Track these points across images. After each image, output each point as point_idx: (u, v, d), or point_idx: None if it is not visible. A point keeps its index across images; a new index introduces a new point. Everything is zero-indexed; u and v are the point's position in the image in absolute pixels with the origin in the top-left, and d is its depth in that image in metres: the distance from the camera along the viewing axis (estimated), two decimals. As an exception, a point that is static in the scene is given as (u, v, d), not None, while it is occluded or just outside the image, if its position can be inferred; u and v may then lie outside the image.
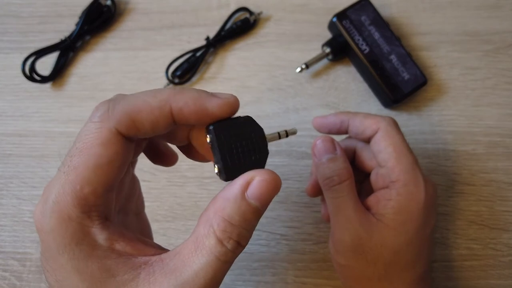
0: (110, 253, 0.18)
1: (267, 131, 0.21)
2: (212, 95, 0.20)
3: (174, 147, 0.25)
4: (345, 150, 0.31)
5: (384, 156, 0.27)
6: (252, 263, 0.34)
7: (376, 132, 0.28)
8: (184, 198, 0.36)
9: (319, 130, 0.31)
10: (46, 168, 0.37)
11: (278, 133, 0.21)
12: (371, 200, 0.28)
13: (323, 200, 0.33)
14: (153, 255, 0.19)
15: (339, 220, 0.27)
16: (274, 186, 0.18)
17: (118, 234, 0.19)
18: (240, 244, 0.18)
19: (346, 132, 0.30)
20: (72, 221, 0.18)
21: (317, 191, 0.31)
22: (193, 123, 0.20)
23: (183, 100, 0.19)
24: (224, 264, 0.18)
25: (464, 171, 0.36)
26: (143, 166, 0.36)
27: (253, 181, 0.18)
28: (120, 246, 0.19)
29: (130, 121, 0.18)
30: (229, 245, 0.18)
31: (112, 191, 0.20)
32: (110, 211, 0.20)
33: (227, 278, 0.33)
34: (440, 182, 0.35)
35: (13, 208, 0.36)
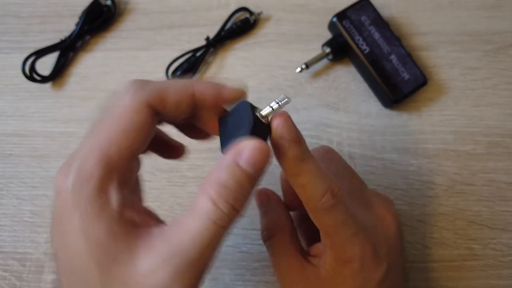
0: (119, 219, 0.18)
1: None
2: (225, 84, 0.22)
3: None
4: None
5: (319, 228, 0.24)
6: (252, 263, 0.34)
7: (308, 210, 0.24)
8: (184, 198, 0.36)
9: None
10: (46, 168, 0.37)
11: (269, 105, 0.21)
12: (315, 249, 0.26)
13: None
14: (155, 226, 0.20)
15: (278, 278, 0.26)
16: (262, 152, 0.19)
17: (129, 202, 0.19)
18: (235, 208, 0.19)
19: None
20: (92, 179, 0.18)
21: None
22: (210, 106, 0.22)
23: (204, 85, 0.22)
24: (220, 228, 0.18)
25: (464, 171, 0.36)
26: (144, 166, 0.36)
27: (243, 149, 0.19)
28: (129, 213, 0.19)
29: (158, 98, 0.20)
30: (225, 208, 0.18)
31: (134, 160, 0.21)
32: (129, 180, 0.20)
33: (227, 278, 0.33)
34: (440, 182, 0.35)
35: (13, 208, 0.36)
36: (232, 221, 0.19)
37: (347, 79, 0.39)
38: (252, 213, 0.34)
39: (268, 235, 0.26)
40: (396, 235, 0.26)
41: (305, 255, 0.26)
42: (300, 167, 0.22)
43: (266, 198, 0.28)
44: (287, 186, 0.28)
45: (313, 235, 0.26)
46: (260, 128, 0.21)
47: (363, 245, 0.24)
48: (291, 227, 0.27)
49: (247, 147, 0.19)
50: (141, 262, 0.18)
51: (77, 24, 0.40)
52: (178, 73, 0.39)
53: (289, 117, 0.22)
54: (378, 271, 0.24)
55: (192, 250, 0.18)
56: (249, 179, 0.19)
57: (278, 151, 0.22)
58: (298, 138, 0.22)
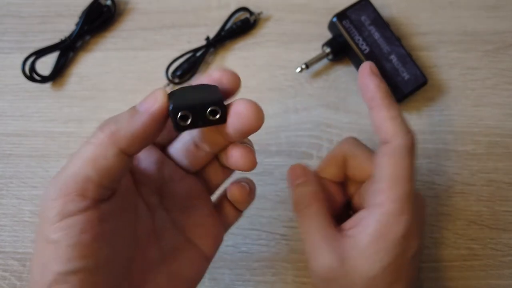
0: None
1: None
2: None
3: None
4: (334, 159, 0.29)
5: (380, 174, 0.25)
6: (252, 263, 0.34)
7: (386, 142, 0.25)
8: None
9: (361, 88, 0.27)
10: (46, 168, 0.37)
11: None
12: (351, 222, 0.26)
13: None
14: None
15: (308, 248, 0.26)
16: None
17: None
18: None
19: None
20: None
21: None
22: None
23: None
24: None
25: (464, 171, 0.36)
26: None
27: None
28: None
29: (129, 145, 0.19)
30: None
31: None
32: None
33: (227, 278, 0.33)
34: (440, 182, 0.35)
35: (13, 208, 0.36)
36: None
37: (347, 79, 0.39)
38: (251, 213, 0.35)
39: (305, 204, 0.26)
40: (424, 223, 0.27)
41: (338, 229, 0.26)
42: (393, 101, 0.25)
43: (302, 171, 0.28)
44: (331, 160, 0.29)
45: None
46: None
47: (412, 211, 0.24)
48: (326, 200, 0.27)
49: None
50: None
51: (77, 24, 0.40)
52: (178, 73, 0.39)
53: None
54: (414, 246, 0.25)
55: None
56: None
57: (369, 86, 0.25)
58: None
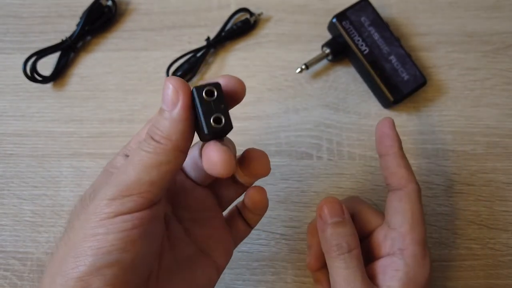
0: None
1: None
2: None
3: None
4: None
5: (398, 219, 0.26)
6: (251, 262, 0.34)
7: (400, 189, 0.27)
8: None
9: (378, 134, 0.29)
10: (47, 168, 0.37)
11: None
12: (376, 268, 0.27)
13: (319, 279, 0.30)
14: None
15: None
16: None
17: None
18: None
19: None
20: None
21: (321, 263, 0.29)
22: None
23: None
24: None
25: (463, 171, 0.36)
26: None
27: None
28: None
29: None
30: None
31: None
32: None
33: (227, 277, 0.34)
34: (439, 182, 0.36)
35: (14, 208, 0.36)
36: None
37: (347, 79, 0.39)
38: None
39: (349, 248, 0.26)
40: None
41: None
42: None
43: (341, 209, 0.27)
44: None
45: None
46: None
47: (429, 253, 0.27)
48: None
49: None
50: None
51: (78, 25, 0.40)
52: (179, 73, 0.39)
53: None
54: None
55: None
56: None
57: (390, 136, 0.28)
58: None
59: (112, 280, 0.18)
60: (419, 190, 0.27)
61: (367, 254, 0.28)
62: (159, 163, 0.19)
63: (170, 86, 0.19)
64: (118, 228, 0.18)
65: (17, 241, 0.35)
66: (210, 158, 0.19)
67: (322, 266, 0.29)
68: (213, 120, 0.19)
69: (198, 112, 0.19)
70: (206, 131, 0.19)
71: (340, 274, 0.25)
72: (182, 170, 0.26)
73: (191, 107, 0.19)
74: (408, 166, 0.28)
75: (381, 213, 0.29)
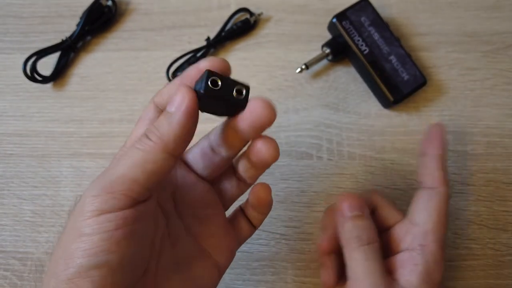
0: None
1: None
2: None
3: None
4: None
5: (424, 216, 0.28)
6: (251, 262, 0.34)
7: (431, 188, 0.28)
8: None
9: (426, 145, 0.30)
10: (47, 168, 0.37)
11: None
12: (395, 262, 0.27)
13: (326, 264, 0.30)
14: None
15: (366, 286, 0.25)
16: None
17: None
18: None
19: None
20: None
21: (333, 247, 0.29)
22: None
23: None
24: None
25: (463, 171, 0.36)
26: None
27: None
28: None
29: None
30: None
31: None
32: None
33: (226, 277, 0.34)
34: (439, 182, 0.36)
35: (14, 208, 0.36)
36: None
37: (347, 79, 0.39)
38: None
39: (369, 240, 0.26)
40: None
41: None
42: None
43: (361, 204, 0.28)
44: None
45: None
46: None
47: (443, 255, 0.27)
48: None
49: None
50: None
51: (78, 25, 0.40)
52: (179, 73, 0.39)
53: None
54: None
55: None
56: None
57: (439, 138, 0.30)
58: None
59: (101, 282, 0.18)
60: (449, 194, 0.28)
61: (384, 249, 0.28)
62: (144, 161, 0.19)
63: (179, 92, 0.19)
64: (102, 228, 0.18)
65: (17, 241, 0.35)
66: (254, 109, 0.20)
67: (332, 251, 0.29)
68: (236, 91, 0.20)
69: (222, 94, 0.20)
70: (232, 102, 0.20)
71: (359, 265, 0.26)
72: (185, 164, 0.25)
73: (195, 116, 0.20)
74: (446, 170, 0.29)
75: (399, 210, 0.30)
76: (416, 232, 0.27)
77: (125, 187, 0.19)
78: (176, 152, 0.20)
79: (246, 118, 0.20)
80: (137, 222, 0.19)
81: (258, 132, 0.21)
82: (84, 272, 0.18)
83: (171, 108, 0.19)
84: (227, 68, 0.21)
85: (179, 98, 0.19)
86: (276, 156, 0.22)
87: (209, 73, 0.19)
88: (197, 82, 0.20)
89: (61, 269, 0.18)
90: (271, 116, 0.20)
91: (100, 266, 0.18)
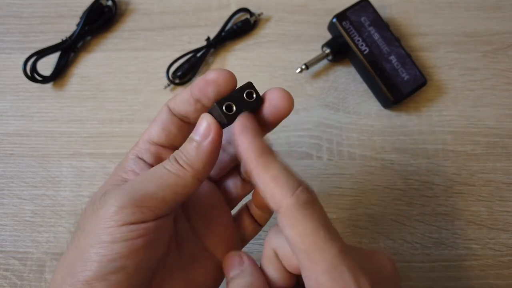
0: None
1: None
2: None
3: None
4: (266, 258, 0.22)
5: (292, 253, 0.19)
6: (252, 262, 0.34)
7: (277, 211, 0.18)
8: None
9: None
10: (47, 168, 0.37)
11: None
12: None
13: None
14: None
15: None
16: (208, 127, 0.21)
17: None
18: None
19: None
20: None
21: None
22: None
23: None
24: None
25: (463, 171, 0.36)
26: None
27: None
28: None
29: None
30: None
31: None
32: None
33: (227, 278, 0.34)
34: (439, 182, 0.36)
35: (14, 208, 0.36)
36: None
37: (347, 79, 0.39)
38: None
39: None
40: (394, 272, 0.20)
41: None
42: (272, 157, 0.19)
43: (239, 259, 0.23)
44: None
45: None
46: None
47: (356, 275, 0.17)
48: None
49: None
50: None
51: (78, 25, 0.40)
52: (179, 73, 0.39)
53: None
54: None
55: None
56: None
57: (242, 142, 0.19)
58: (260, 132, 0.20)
59: (116, 285, 0.19)
60: (303, 200, 0.18)
61: None
62: (176, 185, 0.20)
63: (205, 121, 0.21)
64: (124, 237, 0.19)
65: (17, 241, 0.35)
66: (273, 99, 0.21)
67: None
68: (246, 96, 0.21)
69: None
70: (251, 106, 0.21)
71: None
72: None
73: (219, 144, 0.21)
74: (276, 176, 0.19)
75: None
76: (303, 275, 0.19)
77: (154, 205, 0.20)
78: (203, 178, 0.21)
79: (267, 110, 0.21)
80: (157, 232, 0.20)
81: (279, 120, 0.22)
82: (101, 276, 0.19)
83: (197, 137, 0.21)
84: (233, 81, 0.22)
85: (204, 129, 0.21)
86: (290, 106, 0.22)
87: (219, 104, 0.20)
88: (211, 111, 0.21)
89: (78, 270, 0.19)
90: (289, 104, 0.21)
91: (117, 270, 0.19)
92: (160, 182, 0.20)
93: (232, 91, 0.21)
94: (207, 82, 0.21)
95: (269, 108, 0.21)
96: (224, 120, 0.20)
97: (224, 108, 0.20)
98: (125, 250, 0.19)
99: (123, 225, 0.19)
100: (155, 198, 0.20)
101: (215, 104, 0.21)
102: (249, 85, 0.21)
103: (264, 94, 0.22)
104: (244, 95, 0.21)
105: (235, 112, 0.21)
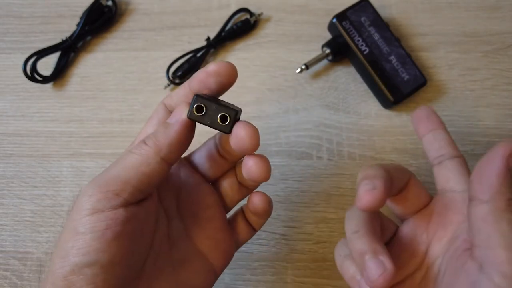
0: None
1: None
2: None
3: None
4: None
5: (487, 240, 0.20)
6: (251, 262, 0.34)
7: (482, 203, 0.21)
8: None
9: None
10: (47, 168, 0.37)
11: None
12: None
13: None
14: None
15: None
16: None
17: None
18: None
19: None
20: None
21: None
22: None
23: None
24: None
25: (463, 172, 0.36)
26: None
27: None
28: None
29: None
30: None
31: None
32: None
33: (226, 277, 0.34)
34: (439, 182, 0.36)
35: (14, 208, 0.36)
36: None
37: (347, 79, 0.39)
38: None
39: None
40: None
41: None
42: None
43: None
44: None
45: None
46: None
47: None
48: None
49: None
50: None
51: (78, 25, 0.40)
52: (179, 73, 0.39)
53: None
54: None
55: None
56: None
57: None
58: None
59: (93, 279, 0.19)
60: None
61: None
62: (139, 164, 0.20)
63: (179, 108, 0.21)
64: (94, 227, 0.19)
65: (17, 241, 0.35)
66: (238, 135, 0.20)
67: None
68: (220, 118, 0.21)
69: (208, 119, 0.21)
70: (225, 128, 0.21)
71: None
72: (190, 164, 0.26)
73: (190, 128, 0.21)
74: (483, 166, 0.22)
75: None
76: (481, 254, 0.21)
77: (118, 187, 0.20)
78: (168, 157, 0.21)
79: (232, 142, 0.21)
80: (128, 223, 0.20)
81: (243, 154, 0.22)
82: (78, 270, 0.19)
83: (171, 120, 0.21)
84: (234, 73, 0.22)
85: (178, 112, 0.21)
86: (266, 176, 0.22)
87: (197, 99, 0.21)
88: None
89: (57, 267, 0.19)
90: (253, 145, 0.21)
91: (91, 264, 0.19)
92: (122, 164, 0.20)
93: (219, 99, 0.22)
94: (208, 73, 0.21)
95: (234, 142, 0.21)
96: (187, 115, 0.21)
97: (195, 107, 0.21)
98: (96, 242, 0.19)
99: (93, 213, 0.19)
100: (119, 180, 0.20)
101: (195, 96, 0.21)
102: (236, 112, 0.21)
103: (234, 129, 0.21)
104: (219, 116, 0.21)
105: (202, 116, 0.21)
